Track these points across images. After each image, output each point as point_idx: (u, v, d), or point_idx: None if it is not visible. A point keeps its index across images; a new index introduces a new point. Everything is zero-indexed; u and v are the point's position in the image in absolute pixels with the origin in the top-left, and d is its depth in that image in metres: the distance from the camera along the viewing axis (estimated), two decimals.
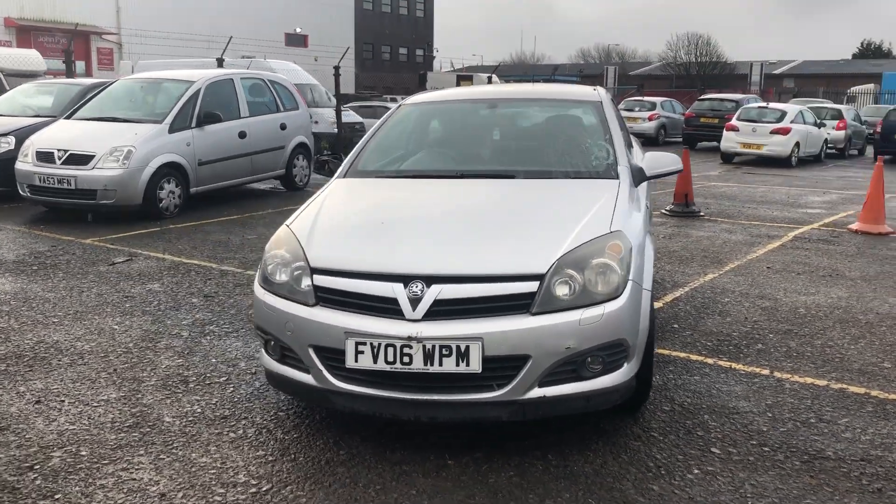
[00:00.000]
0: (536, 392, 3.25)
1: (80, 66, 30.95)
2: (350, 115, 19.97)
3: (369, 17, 56.83)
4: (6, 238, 8.11)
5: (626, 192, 4.03)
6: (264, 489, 3.17)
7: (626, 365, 3.40)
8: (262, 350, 3.71)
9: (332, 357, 3.34)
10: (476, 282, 3.27)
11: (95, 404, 3.97)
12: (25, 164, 9.12)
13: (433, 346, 3.17)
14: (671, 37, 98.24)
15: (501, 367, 3.21)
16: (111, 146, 8.80)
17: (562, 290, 3.28)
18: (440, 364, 3.18)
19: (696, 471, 3.31)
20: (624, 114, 23.08)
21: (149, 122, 9.31)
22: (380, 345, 3.22)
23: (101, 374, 4.37)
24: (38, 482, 3.21)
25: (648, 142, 24.16)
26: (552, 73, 54.08)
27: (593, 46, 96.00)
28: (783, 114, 19.72)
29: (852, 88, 49.60)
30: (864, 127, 25.05)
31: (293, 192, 11.90)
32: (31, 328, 5.17)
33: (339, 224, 3.85)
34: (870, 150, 24.20)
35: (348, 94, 19.52)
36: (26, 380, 4.29)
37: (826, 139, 21.47)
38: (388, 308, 3.27)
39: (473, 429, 3.62)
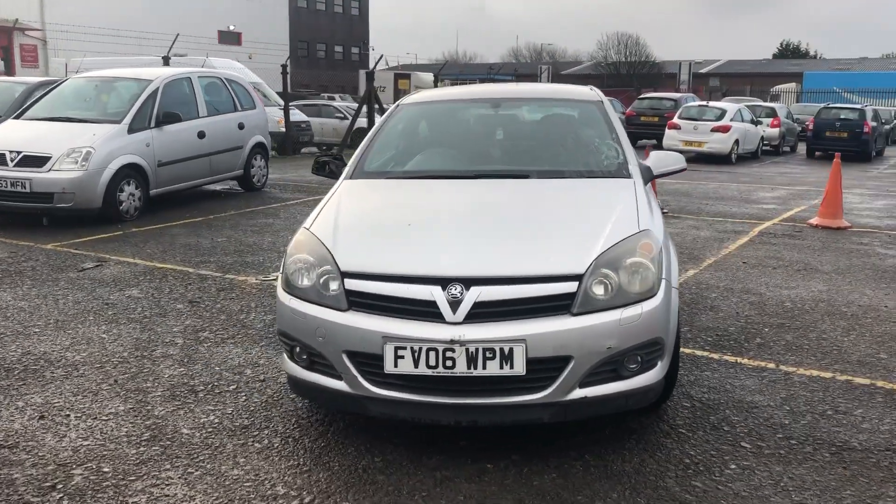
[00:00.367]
0: (578, 393, 3.23)
1: None
2: (296, 115, 19.71)
3: (304, 15, 56.15)
4: None
5: (643, 191, 4.07)
6: (307, 500, 3.07)
7: (659, 363, 3.42)
8: (286, 357, 3.60)
9: (368, 363, 3.27)
10: (516, 283, 3.23)
11: (105, 418, 3.80)
12: None
13: (476, 349, 3.12)
14: (602, 36, 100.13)
15: (543, 368, 3.19)
16: (69, 147, 8.46)
17: (598, 290, 3.28)
18: (484, 367, 3.14)
19: (732, 466, 3.35)
20: None
21: (107, 123, 8.98)
22: (421, 349, 3.15)
23: (101, 386, 4.19)
24: (64, 502, 3.04)
25: None
26: (488, 72, 54.52)
27: (524, 45, 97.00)
28: (723, 112, 20.26)
29: (775, 87, 51.35)
30: (796, 125, 25.92)
31: (251, 192, 11.66)
32: (11, 339, 4.93)
33: (364, 227, 3.77)
34: (801, 147, 25.06)
35: (286, 93, 19.16)
36: (22, 394, 4.08)
37: (762, 136, 22.16)
38: (426, 311, 3.21)
39: (503, 432, 3.58)
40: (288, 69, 18.58)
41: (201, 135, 10.08)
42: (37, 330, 5.11)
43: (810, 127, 22.54)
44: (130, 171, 8.94)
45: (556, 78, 56.60)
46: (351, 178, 4.45)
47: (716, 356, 4.67)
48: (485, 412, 3.24)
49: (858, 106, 23.52)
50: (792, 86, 53.24)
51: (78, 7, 35.39)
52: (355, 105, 25.17)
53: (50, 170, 8.35)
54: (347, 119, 22.06)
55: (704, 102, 22.54)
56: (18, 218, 8.81)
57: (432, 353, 3.15)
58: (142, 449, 3.48)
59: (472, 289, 3.21)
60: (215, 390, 4.15)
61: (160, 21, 37.20)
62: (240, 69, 19.06)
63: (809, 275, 6.77)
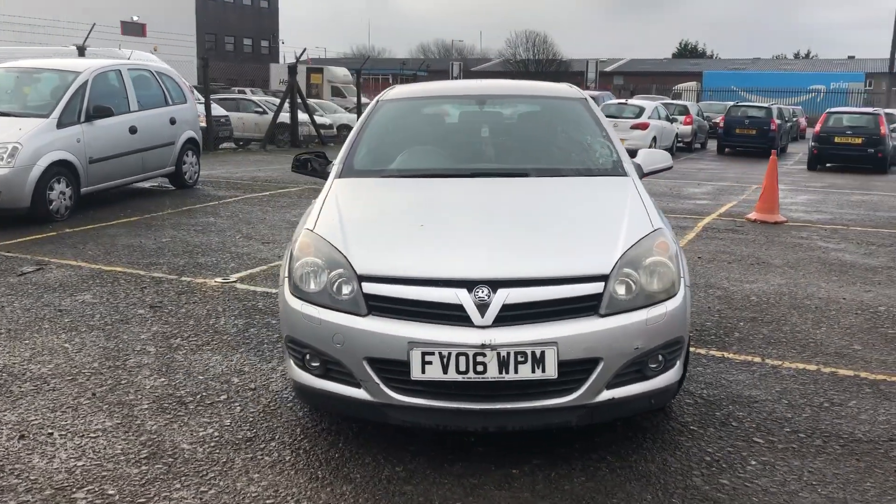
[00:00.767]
0: (605, 395, 3.19)
1: None
2: (216, 109, 19.11)
3: (211, 7, 54.58)
4: None
5: (643, 189, 4.06)
6: None
7: (678, 362, 3.42)
8: (293, 365, 3.42)
9: (391, 369, 3.14)
10: (543, 284, 3.16)
11: (93, 435, 3.53)
12: None
13: (508, 353, 3.04)
14: (511, 34, 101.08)
15: (574, 371, 3.13)
16: None
17: (621, 290, 3.25)
18: (515, 371, 3.06)
19: (752, 462, 3.37)
20: None
21: (34, 117, 8.46)
22: (450, 354, 3.05)
23: (79, 400, 3.90)
24: None
25: None
26: (401, 67, 54.29)
27: (433, 42, 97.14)
28: (641, 109, 20.77)
29: (677, 86, 53.09)
30: (706, 122, 26.84)
31: (184, 190, 11.22)
32: None
33: (375, 228, 3.62)
34: (711, 144, 25.99)
35: (207, 87, 18.57)
36: None
37: (677, 133, 22.83)
38: (452, 315, 3.11)
39: (519, 435, 3.51)
40: (208, 62, 17.93)
41: (133, 130, 9.62)
42: None
43: (720, 124, 23.38)
44: (61, 169, 8.44)
45: (467, 74, 56.91)
46: (340, 176, 4.28)
47: (703, 351, 4.73)
48: (513, 417, 3.17)
49: (766, 105, 24.55)
50: (693, 84, 55.20)
51: None
52: (273, 99, 24.64)
53: None
54: (267, 113, 21.54)
55: (623, 100, 23.03)
56: None
57: (462, 359, 3.04)
58: (144, 468, 3.25)
59: (500, 291, 3.12)
60: (205, 401, 3.92)
61: (59, 9, 35.53)
62: (153, 62, 18.30)
63: (764, 269, 6.97)
